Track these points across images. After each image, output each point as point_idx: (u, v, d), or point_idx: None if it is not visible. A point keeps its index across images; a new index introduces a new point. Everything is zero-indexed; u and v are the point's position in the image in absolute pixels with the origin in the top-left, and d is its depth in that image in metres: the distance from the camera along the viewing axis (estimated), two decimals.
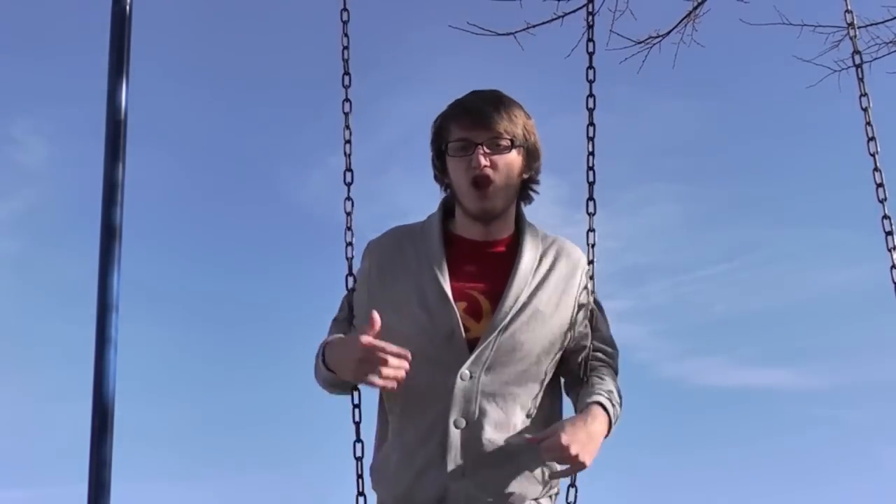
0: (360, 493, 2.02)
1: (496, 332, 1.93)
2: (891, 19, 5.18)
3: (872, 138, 2.28)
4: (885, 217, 2.23)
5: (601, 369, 2.09)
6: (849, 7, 2.48)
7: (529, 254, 2.03)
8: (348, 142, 2.25)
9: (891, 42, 5.23)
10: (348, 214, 2.19)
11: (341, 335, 2.02)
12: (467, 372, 1.91)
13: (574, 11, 5.16)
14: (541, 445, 1.87)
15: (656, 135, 7.91)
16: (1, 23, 7.11)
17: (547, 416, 2.01)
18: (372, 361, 1.78)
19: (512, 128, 2.00)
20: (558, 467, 1.94)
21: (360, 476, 2.03)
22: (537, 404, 1.99)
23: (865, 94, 2.33)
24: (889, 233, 2.21)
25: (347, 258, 2.14)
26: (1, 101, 7.56)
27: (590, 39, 2.25)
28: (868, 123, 2.30)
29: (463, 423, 1.90)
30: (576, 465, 1.89)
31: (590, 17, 2.25)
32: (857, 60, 2.40)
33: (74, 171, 7.60)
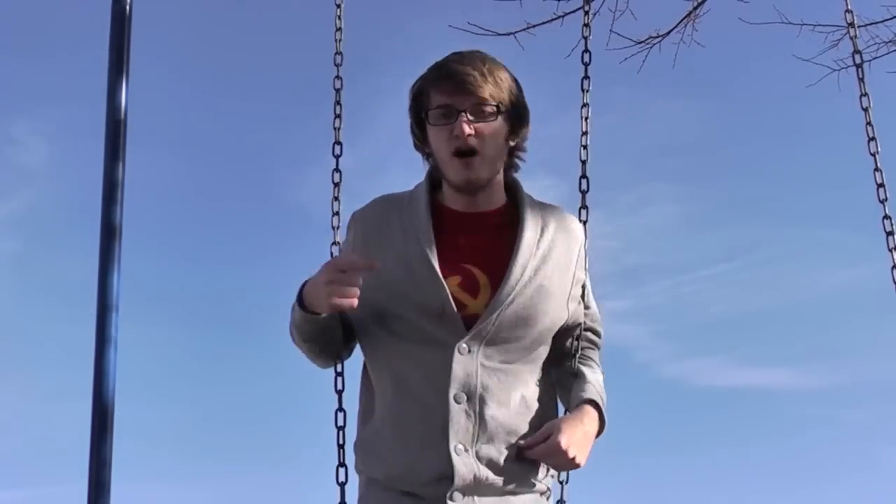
0: (341, 464, 1.94)
1: (501, 306, 1.83)
2: (890, 18, 5.20)
3: (873, 138, 2.28)
4: (886, 217, 2.24)
5: (590, 353, 2.04)
6: (849, 7, 2.48)
7: (531, 225, 1.93)
8: (338, 116, 2.22)
9: (890, 41, 5.24)
10: (336, 185, 2.14)
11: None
12: (465, 346, 1.81)
13: (574, 11, 5.17)
14: (537, 450, 1.81)
15: (656, 135, 7.91)
16: (1, 23, 7.11)
17: (546, 393, 1.94)
18: (341, 279, 1.72)
19: (498, 92, 1.88)
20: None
21: (341, 446, 1.95)
22: (538, 381, 1.92)
23: (866, 94, 2.33)
24: (890, 233, 2.21)
25: (333, 227, 2.08)
26: (1, 101, 7.56)
27: (586, 50, 2.21)
28: (868, 123, 2.30)
29: (464, 397, 1.80)
30: (571, 467, 1.85)
31: (585, 28, 2.21)
32: (858, 60, 2.41)
33: (74, 171, 7.60)
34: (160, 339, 7.49)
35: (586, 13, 2.26)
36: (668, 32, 5.56)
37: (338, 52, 2.32)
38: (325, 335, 1.92)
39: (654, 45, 5.57)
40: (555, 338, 1.97)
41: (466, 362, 1.81)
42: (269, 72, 8.07)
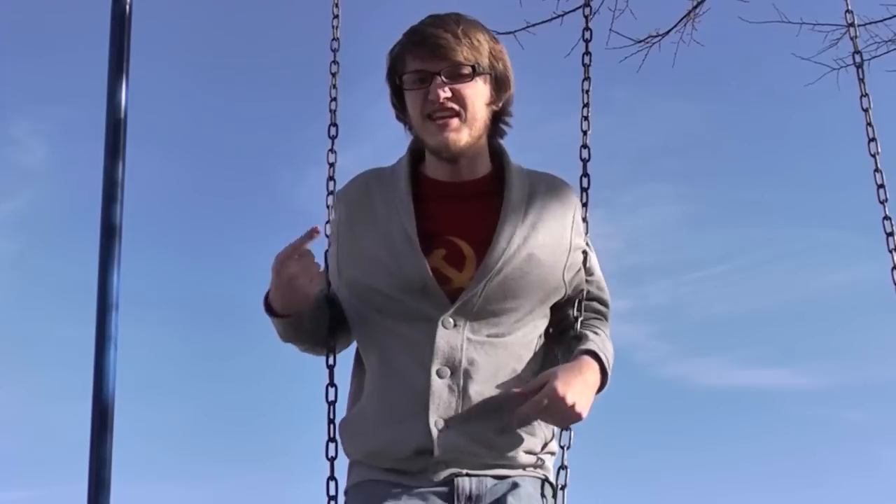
0: (332, 439, 1.89)
1: (486, 278, 1.75)
2: (889, 18, 5.19)
3: (873, 139, 2.28)
4: (886, 218, 2.23)
5: (596, 324, 1.91)
6: (849, 7, 2.48)
7: (518, 193, 1.84)
8: (334, 100, 2.20)
9: (890, 40, 5.23)
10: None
11: None
12: (451, 320, 1.74)
13: (574, 11, 5.16)
14: (530, 402, 1.68)
15: (656, 134, 7.91)
16: (1, 23, 7.10)
17: (545, 368, 1.81)
18: (285, 275, 1.68)
19: (474, 54, 1.80)
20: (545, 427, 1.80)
21: (331, 421, 1.90)
22: (535, 355, 1.82)
23: (866, 95, 2.32)
24: (890, 234, 2.21)
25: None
26: (1, 101, 7.56)
27: (586, 52, 2.18)
28: (869, 124, 2.29)
29: (447, 372, 1.72)
30: (572, 416, 1.71)
31: (586, 32, 2.18)
32: (858, 60, 2.40)
33: (74, 171, 7.60)
34: (160, 338, 7.49)
35: (586, 17, 2.23)
36: (668, 31, 5.56)
37: (334, 38, 2.30)
38: (312, 331, 1.87)
39: (654, 44, 5.56)
40: (556, 311, 1.90)
41: (451, 336, 1.74)
42: (268, 72, 8.07)
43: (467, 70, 1.80)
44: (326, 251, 1.95)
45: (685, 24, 5.53)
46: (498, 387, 1.75)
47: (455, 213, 1.84)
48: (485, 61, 1.83)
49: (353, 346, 1.94)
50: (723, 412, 7.65)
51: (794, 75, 5.61)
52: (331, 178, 2.11)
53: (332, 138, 2.16)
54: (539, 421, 1.77)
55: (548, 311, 1.87)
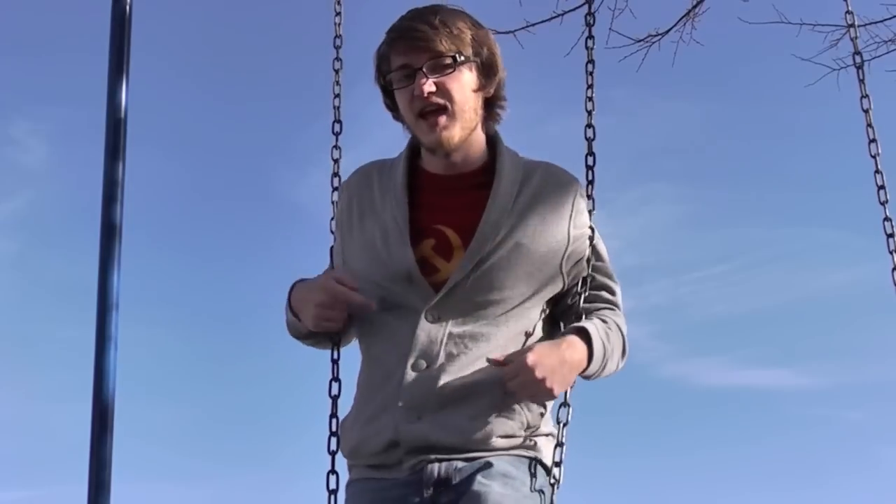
0: (333, 434, 1.88)
1: (469, 269, 1.72)
2: (889, 18, 5.19)
3: (874, 140, 2.27)
4: (887, 219, 2.23)
5: (605, 312, 1.86)
6: (849, 8, 2.47)
7: (507, 180, 1.81)
8: (337, 96, 2.19)
9: (890, 41, 5.23)
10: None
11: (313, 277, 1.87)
12: (434, 313, 1.72)
13: (574, 10, 5.17)
14: (504, 370, 1.67)
15: (656, 134, 7.91)
16: (1, 23, 7.10)
17: None
18: (332, 307, 1.71)
19: (455, 43, 1.77)
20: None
21: (333, 415, 1.89)
22: (520, 348, 1.75)
23: (867, 96, 2.32)
24: (890, 235, 2.20)
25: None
26: (1, 101, 7.56)
27: (588, 47, 2.17)
28: (869, 125, 2.28)
29: (423, 364, 1.70)
30: (543, 391, 1.67)
31: (588, 29, 2.15)
32: (858, 61, 2.40)
33: (74, 171, 7.60)
34: (160, 339, 7.49)
35: (588, 23, 2.19)
36: (668, 31, 5.57)
37: (337, 35, 2.30)
38: (320, 334, 1.88)
39: (654, 43, 5.57)
40: (557, 303, 1.85)
41: (432, 329, 1.72)
42: (268, 72, 8.07)
43: (448, 60, 1.78)
44: (332, 248, 1.97)
45: (685, 24, 5.53)
46: (474, 373, 1.71)
47: (447, 203, 1.83)
48: (467, 49, 1.80)
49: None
50: (723, 412, 7.65)
51: (794, 76, 5.61)
52: (335, 174, 2.10)
53: (336, 135, 2.15)
54: (522, 404, 1.73)
55: (544, 305, 1.83)
